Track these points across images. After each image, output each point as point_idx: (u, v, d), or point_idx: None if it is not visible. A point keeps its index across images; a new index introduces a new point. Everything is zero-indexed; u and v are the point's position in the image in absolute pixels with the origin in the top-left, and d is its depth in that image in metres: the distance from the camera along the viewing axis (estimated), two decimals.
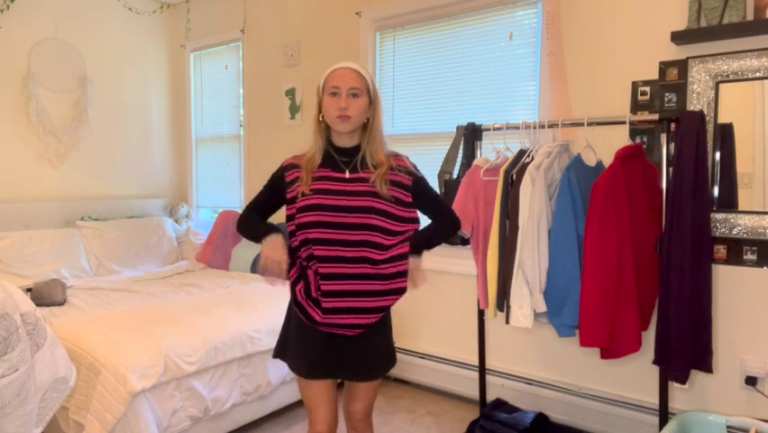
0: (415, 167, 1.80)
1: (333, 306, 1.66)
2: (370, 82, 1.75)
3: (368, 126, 1.75)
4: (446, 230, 1.83)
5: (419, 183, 1.78)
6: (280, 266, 1.68)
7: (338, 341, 1.71)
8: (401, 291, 1.72)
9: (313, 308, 1.69)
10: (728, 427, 2.12)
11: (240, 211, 4.26)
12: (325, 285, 1.66)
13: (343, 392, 1.88)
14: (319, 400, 1.75)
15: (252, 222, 1.82)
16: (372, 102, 1.75)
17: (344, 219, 1.66)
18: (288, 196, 1.74)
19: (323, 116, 1.74)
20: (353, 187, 1.69)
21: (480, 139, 2.66)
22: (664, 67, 2.48)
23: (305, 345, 1.73)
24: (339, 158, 1.75)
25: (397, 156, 1.78)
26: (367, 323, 1.69)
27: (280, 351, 1.84)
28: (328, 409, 1.76)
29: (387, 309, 1.74)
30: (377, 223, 1.67)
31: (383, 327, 1.78)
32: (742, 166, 2.31)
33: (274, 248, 1.70)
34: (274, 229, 1.77)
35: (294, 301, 1.74)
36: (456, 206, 2.44)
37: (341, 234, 1.66)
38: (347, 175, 1.72)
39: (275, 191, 1.80)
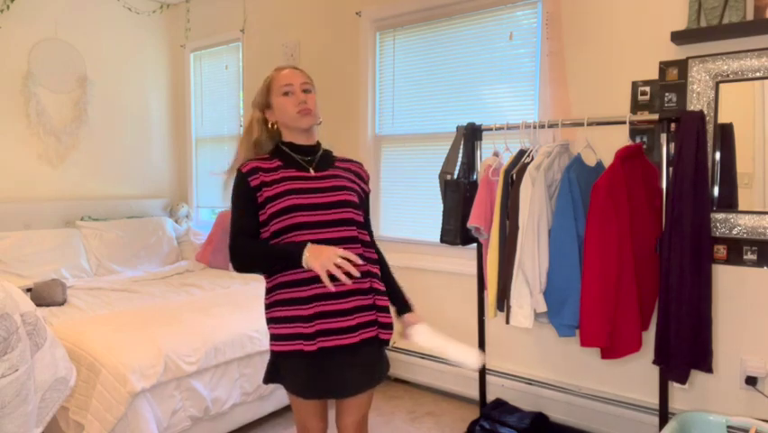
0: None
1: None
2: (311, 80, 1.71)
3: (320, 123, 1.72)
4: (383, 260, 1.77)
5: (367, 186, 1.78)
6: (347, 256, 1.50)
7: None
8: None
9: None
10: (728, 427, 2.12)
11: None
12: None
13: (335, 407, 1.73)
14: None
15: (261, 247, 1.56)
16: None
17: (322, 217, 1.57)
18: (259, 201, 1.58)
19: (273, 122, 1.69)
20: (324, 183, 1.62)
21: (480, 139, 2.65)
22: (664, 67, 2.48)
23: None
24: (300, 157, 1.66)
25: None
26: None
27: None
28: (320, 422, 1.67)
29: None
30: (353, 217, 1.62)
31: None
32: (742, 166, 2.31)
33: (322, 249, 1.49)
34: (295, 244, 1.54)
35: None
36: (476, 207, 2.41)
37: (320, 233, 1.56)
38: (312, 173, 1.63)
39: (252, 203, 1.59)
